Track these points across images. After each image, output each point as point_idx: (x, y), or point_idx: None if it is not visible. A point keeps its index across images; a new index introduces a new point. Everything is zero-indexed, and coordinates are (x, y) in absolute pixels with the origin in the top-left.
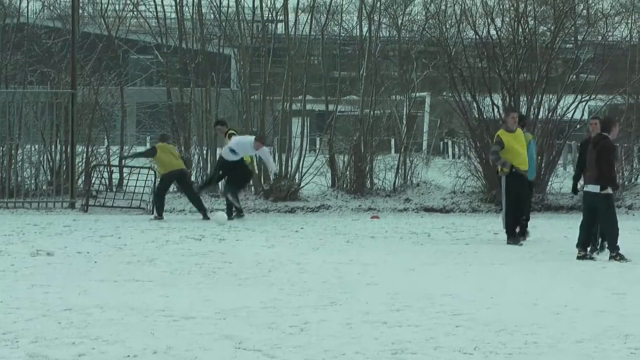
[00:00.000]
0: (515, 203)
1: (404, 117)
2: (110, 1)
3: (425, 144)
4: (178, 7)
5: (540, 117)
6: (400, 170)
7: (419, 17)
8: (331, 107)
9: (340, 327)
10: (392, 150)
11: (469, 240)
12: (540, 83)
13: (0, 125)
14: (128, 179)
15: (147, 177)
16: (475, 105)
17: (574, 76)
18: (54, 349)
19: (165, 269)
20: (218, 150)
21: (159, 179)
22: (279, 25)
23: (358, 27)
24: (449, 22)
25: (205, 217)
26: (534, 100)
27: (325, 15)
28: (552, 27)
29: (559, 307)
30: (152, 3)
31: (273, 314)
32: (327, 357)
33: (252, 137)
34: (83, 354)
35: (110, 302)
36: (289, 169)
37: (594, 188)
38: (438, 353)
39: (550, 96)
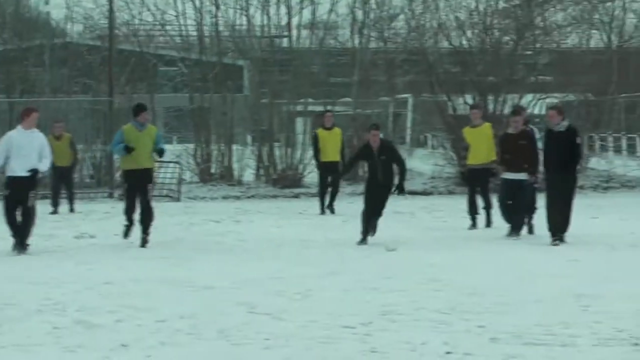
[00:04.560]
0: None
1: (390, 115)
2: (141, 22)
3: (408, 137)
4: (199, 26)
5: (505, 112)
6: None
7: (402, 30)
8: (329, 107)
9: (338, 293)
10: None
11: (447, 218)
12: (505, 84)
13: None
14: (158, 172)
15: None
16: (450, 104)
17: (534, 78)
18: (96, 316)
19: (190, 248)
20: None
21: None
22: (284, 39)
23: (351, 40)
24: (428, 34)
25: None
26: (500, 99)
27: (322, 30)
28: (514, 37)
29: (522, 273)
30: (176, 23)
31: (281, 283)
32: (327, 319)
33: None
34: (120, 320)
35: (144, 276)
36: (294, 160)
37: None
38: (420, 313)
39: (513, 95)
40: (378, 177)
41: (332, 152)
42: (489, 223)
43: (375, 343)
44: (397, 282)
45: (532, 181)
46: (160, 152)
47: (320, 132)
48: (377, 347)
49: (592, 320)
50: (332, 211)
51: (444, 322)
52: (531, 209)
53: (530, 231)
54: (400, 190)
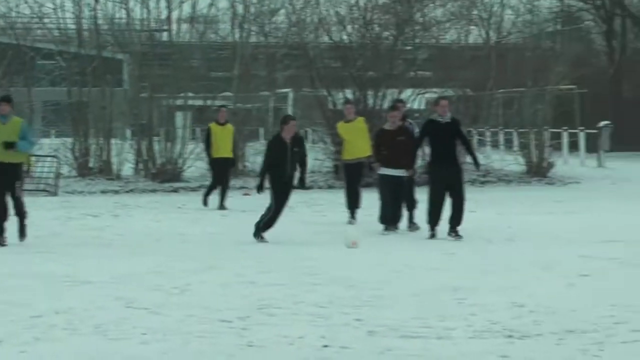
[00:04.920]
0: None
1: (271, 110)
2: (18, 14)
3: None
4: (77, 19)
5: (385, 107)
6: None
7: (283, 25)
8: (209, 102)
9: (216, 288)
10: (262, 138)
11: (326, 212)
12: (385, 79)
13: None
14: (35, 167)
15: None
16: (330, 98)
17: (413, 73)
18: None
19: (67, 242)
20: None
21: None
22: (164, 33)
23: (231, 34)
24: (308, 29)
25: None
26: (379, 94)
27: (203, 24)
28: (394, 32)
29: (400, 267)
30: (54, 16)
31: (159, 278)
32: (205, 313)
33: None
34: None
35: (20, 271)
36: (173, 155)
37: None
38: (298, 307)
39: (393, 90)
40: (287, 172)
41: (224, 148)
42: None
43: (252, 337)
44: (276, 276)
45: (411, 175)
46: (9, 145)
47: (214, 126)
48: (254, 341)
49: (467, 313)
50: (224, 208)
51: (321, 315)
52: (411, 204)
53: (411, 228)
54: (303, 183)
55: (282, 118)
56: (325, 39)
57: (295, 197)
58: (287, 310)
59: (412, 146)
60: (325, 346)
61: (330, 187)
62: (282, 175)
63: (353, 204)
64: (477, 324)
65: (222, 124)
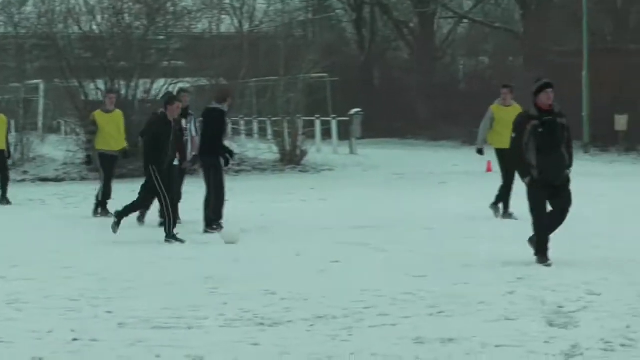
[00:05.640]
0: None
1: (21, 101)
2: None
3: (40, 124)
4: None
5: (138, 97)
6: (18, 147)
7: (32, 15)
8: None
9: None
10: (13, 130)
11: (80, 204)
12: (137, 69)
13: None
14: None
15: None
16: (81, 89)
17: (166, 63)
18: None
19: None
20: None
21: None
22: None
23: None
24: (58, 19)
25: None
26: (132, 84)
27: None
28: (146, 22)
29: (152, 258)
30: None
31: None
32: None
33: None
34: None
35: None
36: None
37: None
38: (48, 301)
39: (145, 80)
40: (169, 154)
41: None
42: (96, 211)
43: (0, 333)
44: (26, 270)
45: (187, 167)
46: None
47: None
48: (3, 337)
49: (219, 302)
50: (8, 202)
51: (72, 309)
52: (178, 195)
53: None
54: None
55: (168, 98)
56: (75, 29)
57: (48, 190)
58: (36, 305)
59: (182, 136)
60: (75, 339)
61: (83, 179)
62: (165, 158)
63: (106, 196)
64: (229, 313)
65: None
